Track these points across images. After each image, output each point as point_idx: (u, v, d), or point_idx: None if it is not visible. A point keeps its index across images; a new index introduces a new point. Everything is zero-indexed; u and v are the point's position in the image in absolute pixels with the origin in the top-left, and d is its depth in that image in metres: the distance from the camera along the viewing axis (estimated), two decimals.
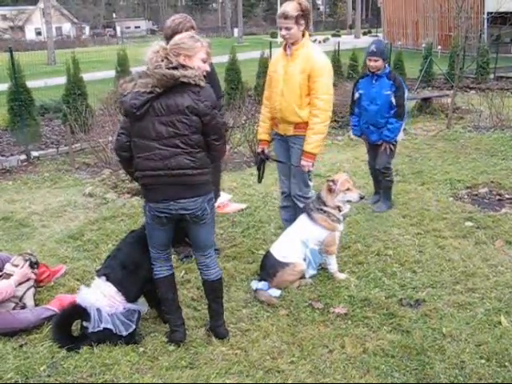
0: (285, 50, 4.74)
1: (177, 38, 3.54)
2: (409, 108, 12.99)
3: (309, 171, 4.80)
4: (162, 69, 3.31)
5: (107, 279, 3.77)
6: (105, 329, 3.66)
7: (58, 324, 3.77)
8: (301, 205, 4.83)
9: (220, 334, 3.82)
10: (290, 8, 4.51)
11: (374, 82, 5.85)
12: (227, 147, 4.94)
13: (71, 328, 3.83)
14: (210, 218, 3.63)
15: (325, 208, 4.57)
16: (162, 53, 3.39)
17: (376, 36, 44.02)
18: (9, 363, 3.55)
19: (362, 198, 4.71)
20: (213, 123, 3.44)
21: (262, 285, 4.41)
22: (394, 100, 5.81)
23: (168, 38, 4.52)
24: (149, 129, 3.37)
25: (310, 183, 4.92)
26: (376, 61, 5.74)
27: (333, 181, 4.60)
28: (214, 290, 3.82)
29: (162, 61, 3.37)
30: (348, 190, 4.60)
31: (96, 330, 3.66)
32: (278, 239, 4.75)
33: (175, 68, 3.33)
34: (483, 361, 3.50)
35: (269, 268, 4.48)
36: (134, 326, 3.73)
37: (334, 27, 63.24)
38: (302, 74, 4.57)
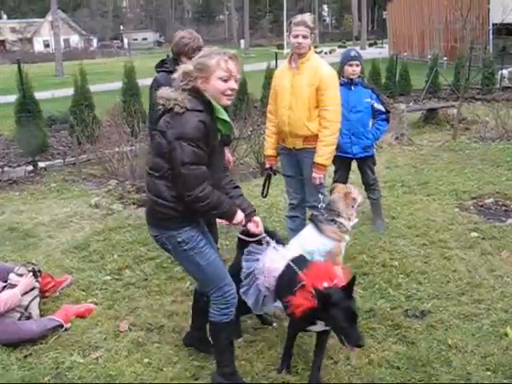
0: (289, 62, 4.77)
1: (195, 57, 3.22)
2: (414, 119, 13.05)
3: (320, 184, 4.82)
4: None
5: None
6: None
7: None
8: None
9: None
10: (308, 18, 4.64)
11: (352, 88, 5.66)
12: (231, 158, 4.95)
13: None
14: (177, 255, 3.34)
15: (337, 219, 4.47)
16: (182, 77, 3.15)
17: (382, 47, 44.17)
18: (13, 374, 3.56)
19: None
20: (172, 154, 3.03)
21: None
22: (381, 107, 5.74)
23: (174, 55, 4.57)
24: None
25: (326, 193, 4.91)
26: (358, 65, 5.61)
27: (349, 191, 4.61)
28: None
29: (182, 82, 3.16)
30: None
31: None
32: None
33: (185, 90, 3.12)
34: (489, 373, 3.48)
35: None
36: None
37: (340, 39, 63.50)
38: (310, 87, 4.62)
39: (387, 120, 5.87)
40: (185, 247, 3.21)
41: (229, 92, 3.14)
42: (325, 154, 4.70)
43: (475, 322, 4.06)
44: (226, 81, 3.11)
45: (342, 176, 5.89)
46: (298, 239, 4.65)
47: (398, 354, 3.68)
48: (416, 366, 3.56)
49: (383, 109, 5.78)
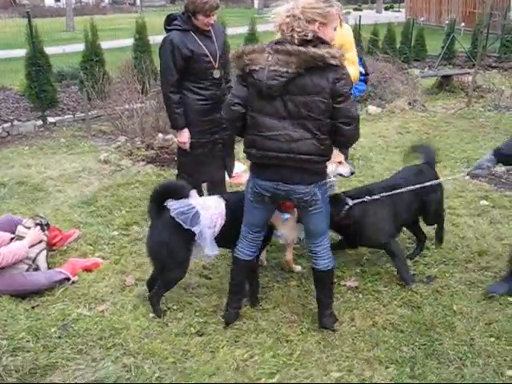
0: None
1: (308, 2, 3.04)
2: (428, 85, 12.85)
3: None
4: (308, 48, 2.95)
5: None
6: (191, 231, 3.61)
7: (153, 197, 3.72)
8: None
9: (324, 324, 3.58)
10: None
11: None
12: None
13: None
14: (320, 204, 3.32)
15: None
16: (296, 18, 2.99)
17: (398, 11, 43.26)
18: (21, 323, 3.60)
19: (352, 173, 4.51)
20: (345, 103, 3.07)
21: None
22: (362, 69, 6.06)
23: (188, 12, 4.40)
24: (279, 108, 3.09)
25: None
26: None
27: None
28: (320, 281, 3.57)
29: (293, 30, 3.00)
30: (340, 163, 4.42)
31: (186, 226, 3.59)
32: None
33: (311, 42, 2.99)
34: (493, 339, 3.49)
35: None
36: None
37: (356, 1, 62.26)
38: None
39: (365, 81, 6.28)
40: (328, 193, 3.44)
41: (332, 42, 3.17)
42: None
43: (481, 289, 4.05)
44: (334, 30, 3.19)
45: None
46: None
47: (403, 318, 3.69)
48: (420, 329, 3.58)
49: (363, 71, 6.10)
